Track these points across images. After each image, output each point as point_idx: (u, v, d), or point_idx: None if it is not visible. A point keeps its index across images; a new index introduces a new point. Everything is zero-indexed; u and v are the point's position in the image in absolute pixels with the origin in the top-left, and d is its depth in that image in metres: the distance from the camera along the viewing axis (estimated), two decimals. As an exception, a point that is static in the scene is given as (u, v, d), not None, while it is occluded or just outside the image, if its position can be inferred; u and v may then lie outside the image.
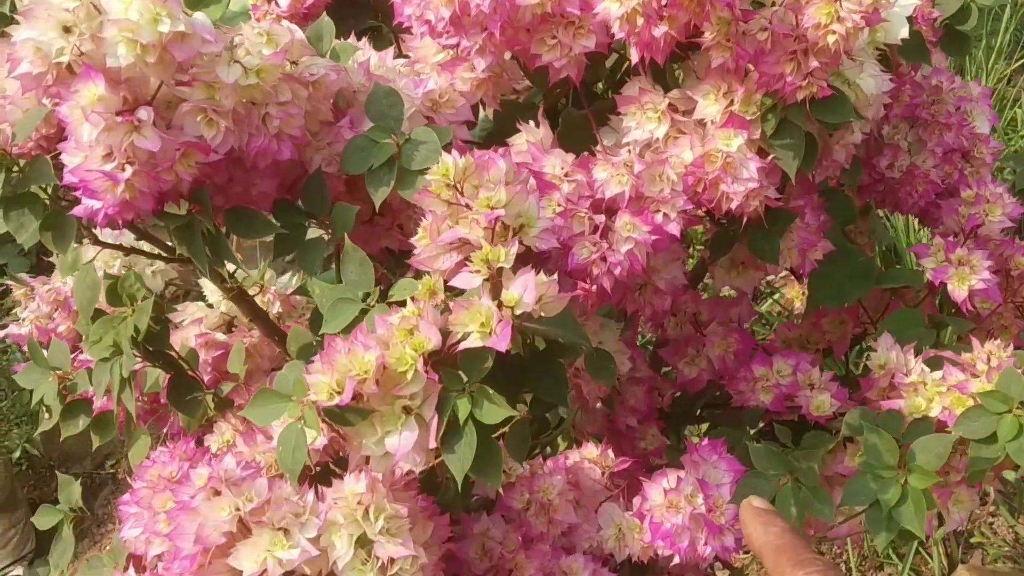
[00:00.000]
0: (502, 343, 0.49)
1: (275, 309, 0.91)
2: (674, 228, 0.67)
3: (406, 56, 0.73)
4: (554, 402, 0.59)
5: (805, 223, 0.78)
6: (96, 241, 0.65)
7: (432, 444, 0.52)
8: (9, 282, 0.98)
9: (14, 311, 1.05)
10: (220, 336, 0.90)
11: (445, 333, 0.52)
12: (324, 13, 0.68)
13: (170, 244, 0.71)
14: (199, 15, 0.55)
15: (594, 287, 0.67)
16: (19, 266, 2.58)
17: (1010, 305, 0.88)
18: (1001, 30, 2.61)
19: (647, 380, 0.93)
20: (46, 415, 0.72)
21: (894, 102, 0.84)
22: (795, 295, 1.07)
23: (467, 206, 0.52)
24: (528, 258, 0.54)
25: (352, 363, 0.51)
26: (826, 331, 0.98)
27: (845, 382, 0.85)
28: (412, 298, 0.53)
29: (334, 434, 0.65)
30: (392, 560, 0.58)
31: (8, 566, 2.02)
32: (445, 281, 0.54)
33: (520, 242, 0.53)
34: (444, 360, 0.53)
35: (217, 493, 0.57)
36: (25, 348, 0.80)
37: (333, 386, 0.51)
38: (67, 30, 0.52)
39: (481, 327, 0.50)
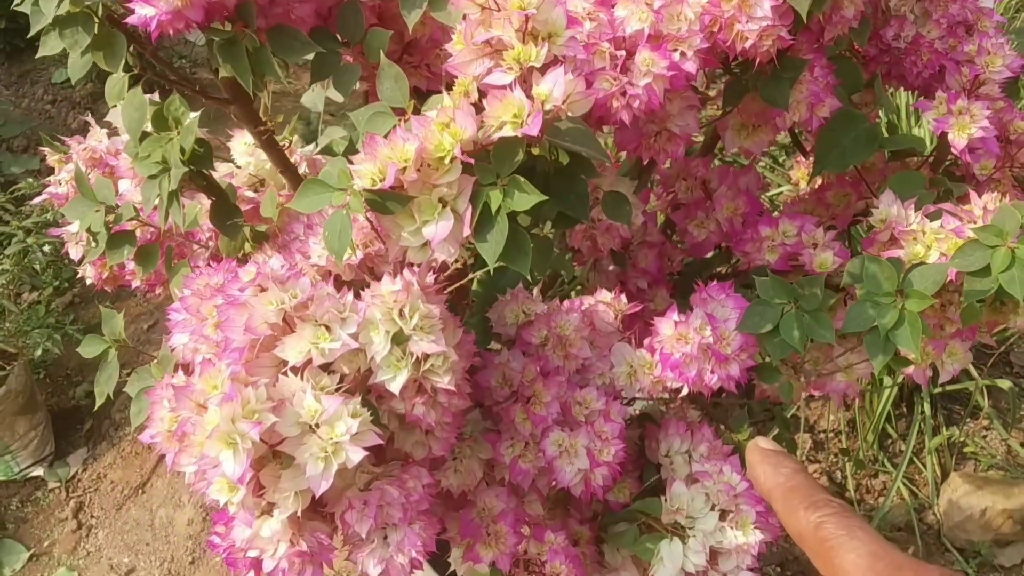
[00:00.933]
0: (534, 129, 0.53)
1: (302, 170, 0.95)
2: (690, 66, 0.70)
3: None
4: (576, 216, 0.63)
5: (814, 77, 0.81)
6: (143, 68, 0.69)
7: (466, 232, 0.56)
8: (44, 148, 1.02)
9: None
10: (250, 193, 0.94)
11: (480, 130, 0.56)
12: None
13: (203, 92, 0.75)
14: None
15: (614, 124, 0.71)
16: (23, 164, 2.61)
17: (1008, 172, 0.92)
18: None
19: (658, 244, 0.97)
20: (94, 244, 0.76)
21: (902, -32, 0.87)
22: (801, 176, 1.10)
23: (498, 8, 0.55)
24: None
25: (393, 152, 0.55)
26: (830, 204, 1.02)
27: (855, 252, 0.89)
28: (448, 98, 0.57)
29: (368, 250, 0.69)
30: (425, 356, 0.63)
31: (29, 466, 2.08)
32: (479, 88, 0.58)
33: (549, 48, 0.57)
34: (478, 157, 0.57)
35: (263, 289, 0.61)
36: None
37: (376, 173, 0.55)
38: None
39: (514, 117, 0.54)
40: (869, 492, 1.99)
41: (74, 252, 1.01)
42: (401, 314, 0.62)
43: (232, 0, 0.60)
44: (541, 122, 0.53)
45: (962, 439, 2.04)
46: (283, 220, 0.86)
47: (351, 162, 0.56)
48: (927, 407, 1.99)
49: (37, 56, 0.65)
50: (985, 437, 2.06)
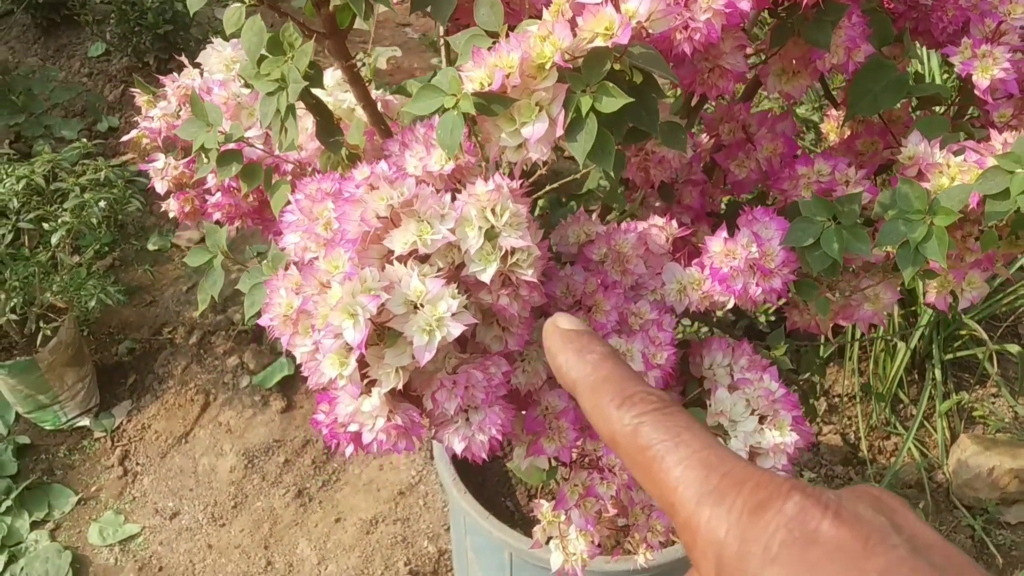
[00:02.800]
0: (624, 38, 0.62)
1: (378, 107, 1.03)
2: (745, 4, 0.79)
3: None
4: (647, 130, 0.71)
5: (851, 23, 0.90)
6: (260, 2, 0.78)
7: (559, 132, 0.65)
8: (134, 89, 1.11)
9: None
10: (331, 128, 1.02)
11: (576, 41, 0.64)
12: None
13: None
14: None
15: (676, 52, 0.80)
16: (74, 127, 2.71)
17: (1025, 120, 1.01)
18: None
19: (701, 183, 1.06)
20: (205, 160, 0.85)
21: (932, -72, 0.95)
22: (831, 129, 1.19)
23: (594, -62, 0.64)
24: None
25: (500, 60, 0.63)
26: (860, 152, 1.10)
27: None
28: (547, 13, 0.65)
29: (459, 162, 0.78)
30: (512, 251, 0.72)
31: (76, 416, 2.18)
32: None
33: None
34: (570, 71, 0.65)
35: (374, 188, 0.70)
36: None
37: (484, 78, 0.64)
38: None
39: (606, 30, 0.63)
40: (881, 452, 2.07)
41: (160, 186, 1.10)
42: (493, 212, 0.71)
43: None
44: (630, 33, 0.62)
45: (971, 404, 2.12)
46: (368, 150, 0.95)
47: (461, 69, 0.65)
48: (938, 373, 2.07)
49: (192, 11, 0.74)
50: (994, 403, 2.15)
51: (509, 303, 0.75)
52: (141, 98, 1.11)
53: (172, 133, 1.07)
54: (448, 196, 0.71)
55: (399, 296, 0.68)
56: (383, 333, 0.71)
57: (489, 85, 0.63)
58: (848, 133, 1.15)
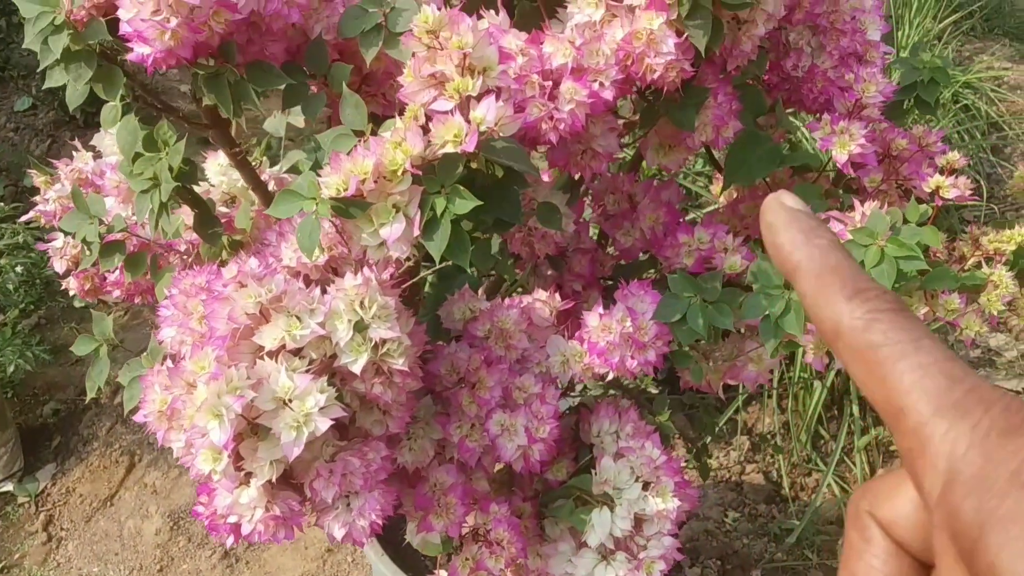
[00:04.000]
0: (470, 146, 0.65)
1: (271, 187, 1.05)
2: (608, 94, 0.82)
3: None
4: (510, 220, 0.74)
5: (718, 103, 0.94)
6: (135, 97, 0.79)
7: (416, 233, 0.67)
8: (31, 171, 1.12)
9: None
10: (223, 209, 1.04)
11: (427, 148, 0.67)
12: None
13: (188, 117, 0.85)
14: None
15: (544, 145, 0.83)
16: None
17: (893, 184, 1.06)
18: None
19: (591, 251, 1.09)
20: (87, 252, 0.86)
21: (796, 8, 1.00)
22: (718, 190, 1.23)
23: (442, 47, 0.67)
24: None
25: (355, 166, 0.66)
26: (744, 215, 1.15)
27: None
28: (400, 121, 0.68)
29: (332, 253, 0.80)
30: (383, 341, 0.74)
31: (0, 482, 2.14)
32: (425, 114, 0.69)
33: (483, 81, 0.69)
34: (425, 171, 0.68)
35: (243, 285, 0.72)
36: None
37: (340, 184, 0.66)
38: (125, -92, 0.66)
39: (455, 137, 0.66)
40: (803, 489, 2.12)
41: (59, 265, 1.11)
42: (362, 305, 0.73)
43: (216, 40, 0.71)
44: (477, 140, 0.65)
45: (887, 438, 2.18)
46: (255, 231, 0.97)
47: (319, 176, 0.67)
48: (855, 408, 2.13)
49: (43, 87, 0.75)
50: (910, 436, 2.21)
51: (383, 391, 0.76)
52: (38, 179, 1.11)
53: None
54: (318, 291, 0.73)
55: (267, 393, 0.70)
56: (257, 426, 0.73)
57: (345, 190, 0.66)
58: (734, 195, 1.19)
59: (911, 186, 1.05)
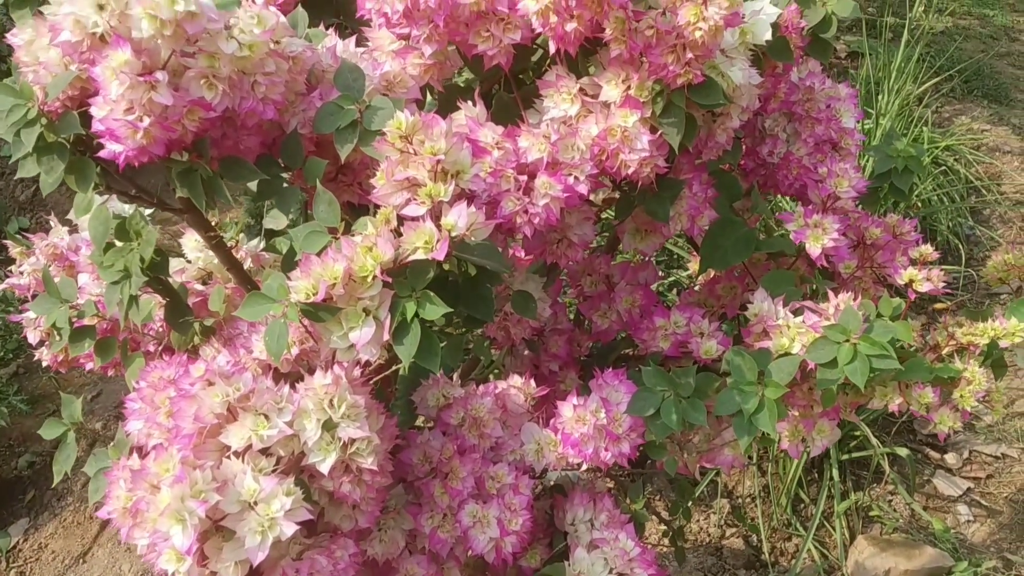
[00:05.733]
0: (441, 254, 0.64)
1: (247, 264, 1.05)
2: (582, 188, 0.83)
3: (365, 45, 0.88)
4: (483, 318, 0.74)
5: (693, 193, 0.94)
6: (108, 188, 0.79)
7: (385, 337, 0.67)
8: (7, 241, 1.11)
9: None
10: (199, 286, 1.03)
11: (397, 253, 0.67)
12: (298, 6, 0.83)
13: (162, 201, 0.85)
14: (205, -1, 0.70)
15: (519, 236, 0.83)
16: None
17: (868, 270, 1.06)
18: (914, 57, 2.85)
19: (567, 331, 1.09)
20: (57, 337, 0.85)
21: (772, 98, 1.01)
22: (696, 269, 1.24)
23: (415, 152, 0.67)
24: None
25: (325, 271, 0.66)
26: (720, 296, 1.15)
27: (738, 339, 1.02)
28: (371, 224, 0.68)
29: (304, 346, 0.80)
30: (352, 440, 0.73)
31: (-33, 538, 2.10)
32: (398, 216, 0.69)
33: (456, 184, 0.69)
34: (396, 274, 0.68)
35: (211, 384, 0.71)
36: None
37: (310, 289, 0.66)
38: (101, 7, 0.67)
39: (425, 244, 0.65)
40: (783, 555, 2.10)
41: (32, 336, 1.09)
42: (331, 404, 0.72)
43: (189, 136, 0.71)
44: (447, 248, 0.65)
45: (867, 503, 2.17)
46: (229, 312, 0.96)
47: (289, 278, 0.67)
48: (835, 473, 2.12)
49: (16, 177, 0.75)
50: (891, 502, 2.20)
51: (352, 489, 0.76)
52: (14, 250, 1.11)
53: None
54: (287, 388, 0.73)
55: (232, 495, 0.69)
56: (222, 527, 0.72)
57: (315, 295, 0.65)
58: (711, 275, 1.19)
59: (885, 273, 1.05)
